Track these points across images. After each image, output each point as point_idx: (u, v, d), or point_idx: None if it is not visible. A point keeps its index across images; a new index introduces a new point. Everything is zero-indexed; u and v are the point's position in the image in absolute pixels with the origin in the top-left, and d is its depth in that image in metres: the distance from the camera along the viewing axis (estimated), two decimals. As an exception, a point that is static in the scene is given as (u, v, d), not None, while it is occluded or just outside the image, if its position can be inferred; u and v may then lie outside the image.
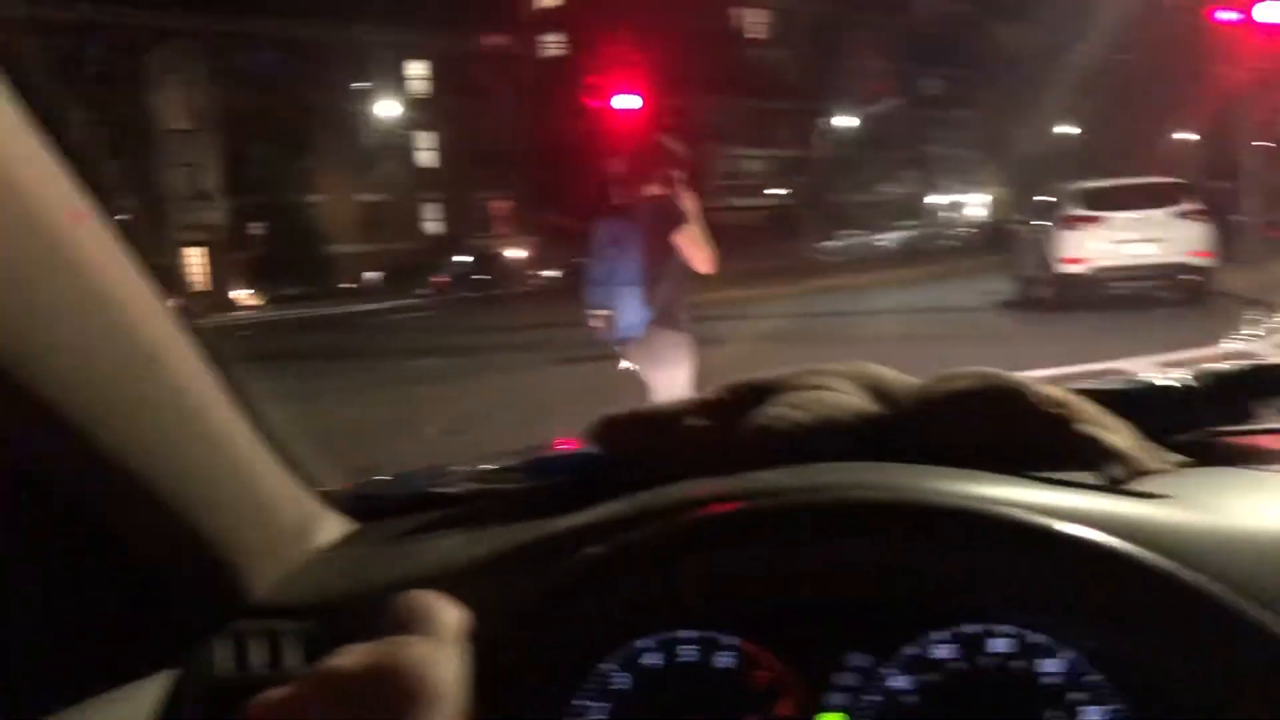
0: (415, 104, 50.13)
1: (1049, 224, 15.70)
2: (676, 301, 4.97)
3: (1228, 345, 1.39)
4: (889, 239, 53.91)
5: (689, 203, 4.82)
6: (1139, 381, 1.07)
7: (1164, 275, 14.86)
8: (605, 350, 14.92)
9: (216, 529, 0.94)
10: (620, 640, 0.87)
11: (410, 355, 16.26)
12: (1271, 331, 1.32)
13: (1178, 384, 1.04)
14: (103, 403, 0.81)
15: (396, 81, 47.80)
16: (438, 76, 50.74)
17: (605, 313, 5.02)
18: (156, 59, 41.61)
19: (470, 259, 42.91)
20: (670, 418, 1.06)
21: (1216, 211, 16.65)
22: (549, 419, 9.32)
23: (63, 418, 0.77)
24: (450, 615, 0.63)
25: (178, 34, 41.67)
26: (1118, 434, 0.90)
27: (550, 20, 56.36)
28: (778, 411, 0.98)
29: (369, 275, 44.95)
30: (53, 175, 0.75)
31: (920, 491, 0.83)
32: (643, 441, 1.07)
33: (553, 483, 1.15)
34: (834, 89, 55.84)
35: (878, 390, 1.02)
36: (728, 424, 1.02)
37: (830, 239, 52.33)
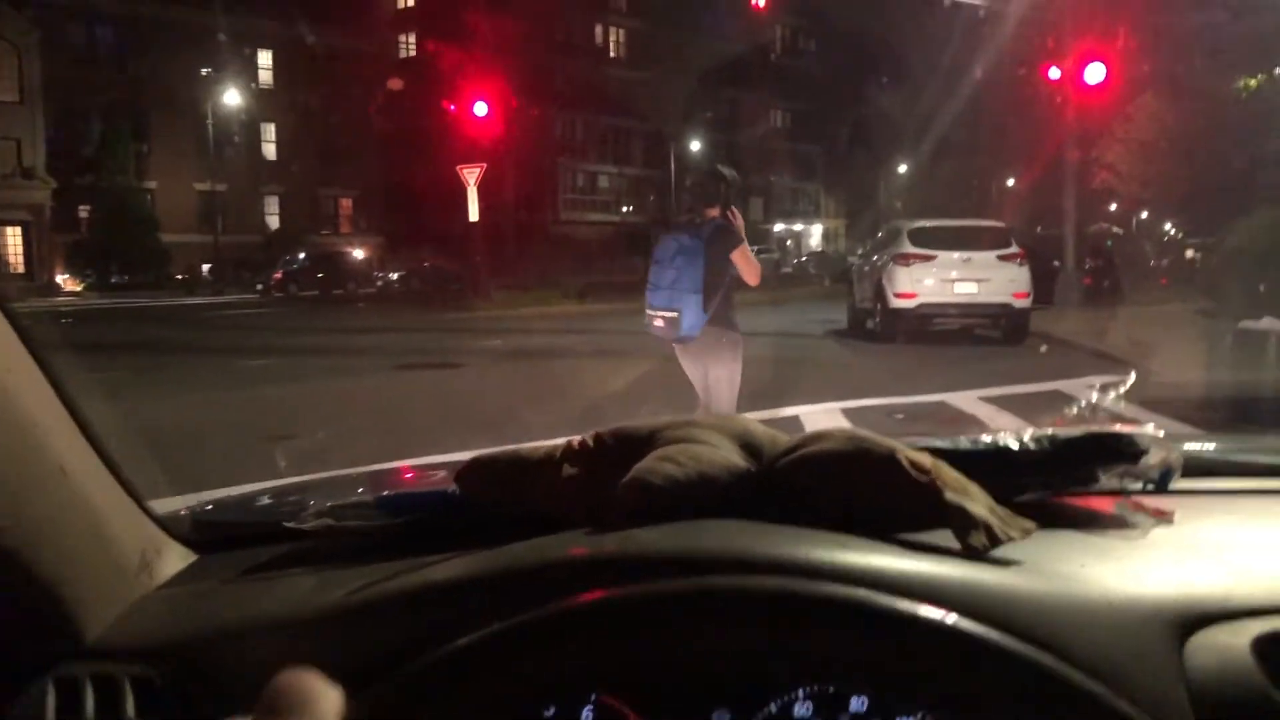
0: (262, 94, 48.47)
1: (884, 259, 16.32)
2: (730, 308, 5.72)
3: (1069, 411, 1.45)
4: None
5: (739, 224, 5.62)
6: (989, 443, 1.10)
7: (987, 314, 15.64)
8: (442, 359, 14.78)
9: (45, 561, 0.87)
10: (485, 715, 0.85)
11: (243, 354, 15.66)
12: (1109, 401, 1.39)
13: (1025, 447, 1.07)
14: None
15: (245, 69, 46.10)
16: (287, 67, 49.20)
17: (671, 314, 5.63)
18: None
19: (309, 256, 41.65)
20: (538, 464, 1.04)
21: (1040, 257, 17.65)
22: (384, 426, 9.12)
23: None
24: (330, 701, 0.58)
25: (7, 0, 39.20)
26: (978, 501, 0.93)
27: (408, 21, 55.50)
28: (652, 465, 0.98)
29: (202, 267, 43.13)
30: None
31: (793, 571, 0.84)
32: (509, 487, 1.05)
33: (407, 521, 1.11)
34: (686, 113, 56.76)
35: (749, 445, 1.02)
36: (597, 473, 1.01)
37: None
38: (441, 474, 1.76)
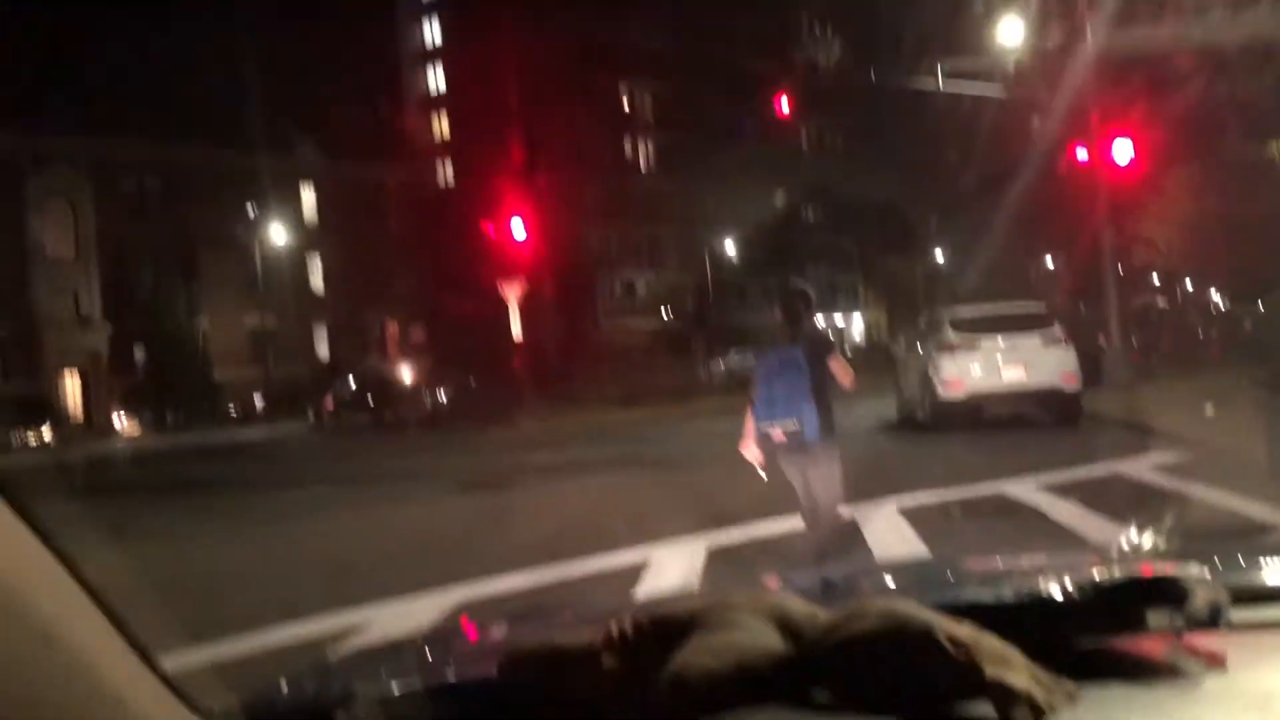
0: (306, 228, 49.90)
1: (928, 349, 16.25)
2: (831, 415, 6.13)
3: (1109, 550, 1.44)
4: (775, 360, 54.94)
5: (832, 335, 5.65)
6: (1032, 593, 1.09)
7: (1036, 397, 15.44)
8: (493, 480, 14.76)
9: None
10: None
11: (293, 485, 15.80)
12: (1149, 536, 1.37)
13: (1069, 595, 1.06)
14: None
15: (288, 205, 47.56)
16: (330, 201, 50.75)
17: (791, 426, 5.96)
18: (36, 185, 40.80)
19: (357, 382, 42.24)
20: (577, 655, 1.05)
21: (1086, 336, 17.48)
22: (438, 555, 9.10)
23: None
24: None
25: (58, 159, 41.00)
26: (1019, 672, 0.93)
27: (445, 149, 57.17)
28: (691, 660, 0.98)
29: (254, 401, 43.88)
30: None
31: None
32: (549, 679, 1.05)
33: (454, 713, 1.12)
34: (718, 215, 57.55)
35: (786, 627, 1.02)
36: (635, 664, 1.01)
37: (720, 359, 53.23)
38: (481, 640, 1.75)
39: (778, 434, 6.06)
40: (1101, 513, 8.06)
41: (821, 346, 6.15)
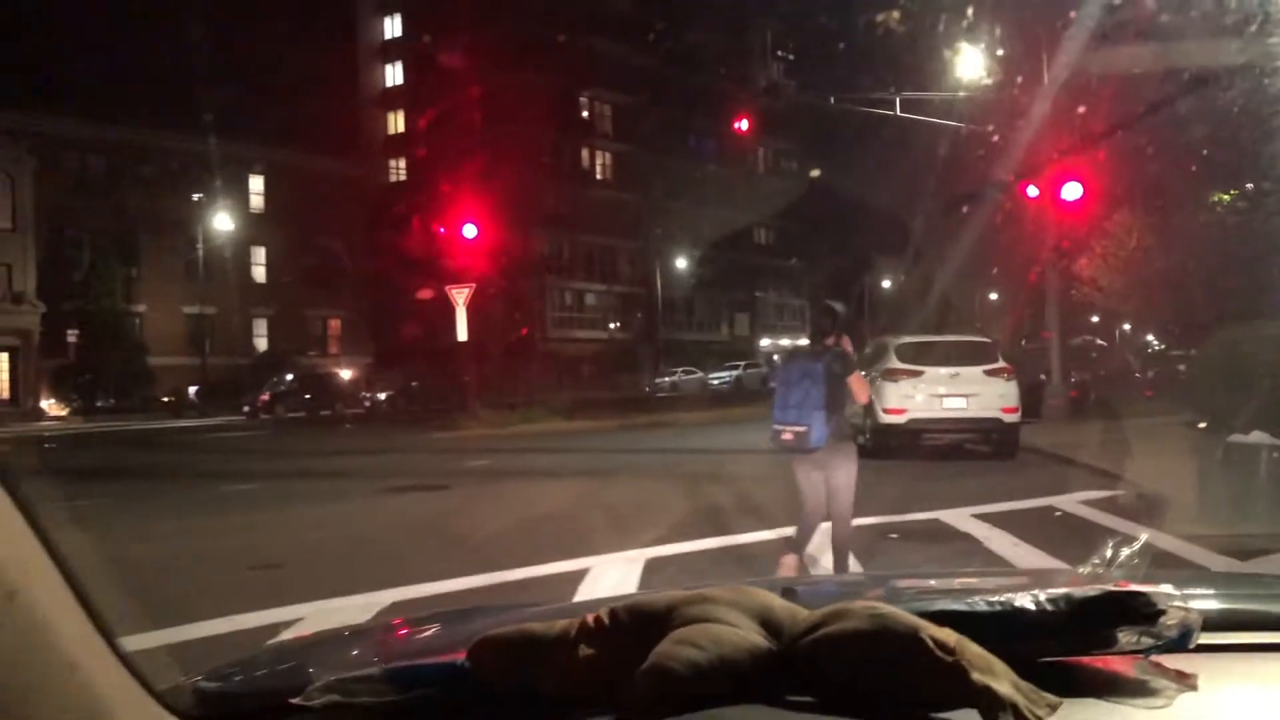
0: (252, 218, 49.17)
1: (871, 374, 16.38)
2: (845, 422, 6.73)
3: (1085, 569, 1.42)
4: (720, 378, 55.31)
5: (850, 350, 6.72)
6: (1006, 604, 1.07)
7: (976, 429, 15.63)
8: (429, 481, 14.68)
9: None
10: None
11: (227, 479, 15.50)
12: (1126, 557, 1.36)
13: (1043, 607, 1.05)
14: None
15: (235, 194, 46.82)
16: (278, 192, 50.06)
17: (800, 429, 6.46)
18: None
19: (296, 378, 41.67)
20: (551, 643, 1.01)
21: (1026, 370, 17.75)
22: (370, 553, 8.97)
23: None
24: None
25: (2, 130, 40.00)
26: (1003, 679, 0.92)
27: (398, 145, 56.75)
28: (672, 650, 0.95)
29: (187, 391, 43.05)
30: None
31: None
32: (521, 668, 1.02)
33: (416, 697, 1.07)
34: (671, 231, 57.76)
35: (767, 622, 1.00)
36: (611, 654, 0.99)
37: (665, 375, 53.36)
38: (437, 628, 1.71)
39: (788, 435, 6.55)
40: (1032, 543, 8.21)
41: (843, 361, 6.57)
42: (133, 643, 1.14)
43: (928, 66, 20.77)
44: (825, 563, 7.18)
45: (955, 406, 15.44)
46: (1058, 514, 9.73)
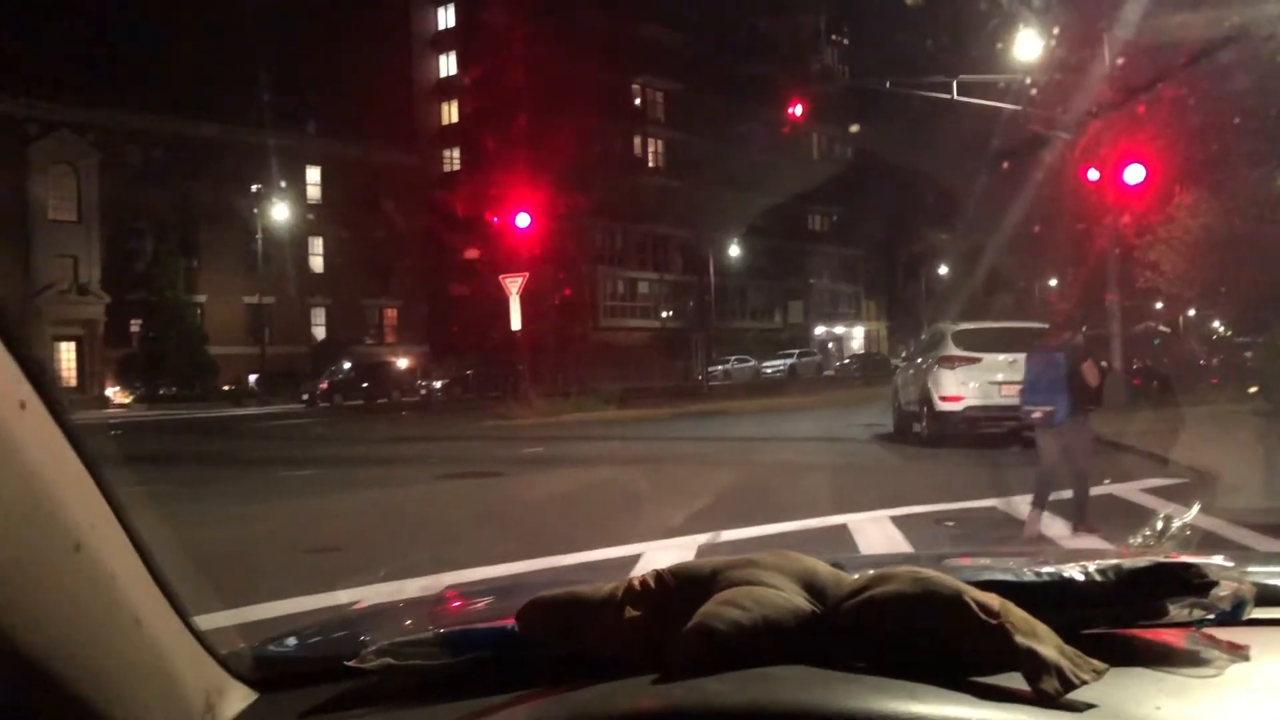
0: (310, 209, 49.84)
1: (928, 361, 16.19)
2: (1083, 404, 8.08)
3: (1135, 541, 1.40)
4: (774, 366, 55.09)
5: (1084, 343, 8.45)
6: (1054, 574, 1.07)
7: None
8: (484, 468, 14.78)
9: (123, 706, 0.87)
10: None
11: (288, 465, 15.75)
12: (1175, 530, 1.33)
13: (1091, 578, 1.04)
14: (16, 587, 0.77)
15: (293, 185, 47.48)
16: (335, 183, 50.66)
17: (1048, 408, 7.95)
18: (40, 149, 40.72)
19: (354, 366, 42.20)
20: (599, 605, 1.03)
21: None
22: (427, 537, 9.06)
23: None
24: None
25: (64, 124, 40.90)
26: (1048, 643, 0.91)
27: (452, 136, 57.08)
28: (717, 610, 0.96)
29: (247, 379, 43.78)
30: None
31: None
32: (570, 629, 1.03)
33: (468, 660, 1.10)
34: (725, 219, 57.54)
35: (811, 586, 1.00)
36: (659, 615, 1.00)
37: (717, 363, 53.25)
38: (488, 600, 1.73)
39: (1037, 414, 8.10)
40: (1091, 530, 8.09)
41: (1079, 353, 8.08)
42: (199, 622, 1.17)
43: (986, 46, 20.46)
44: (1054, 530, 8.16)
45: (1014, 394, 15.18)
46: (1116, 502, 9.56)
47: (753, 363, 55.28)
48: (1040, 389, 8.06)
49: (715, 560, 1.05)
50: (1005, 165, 27.08)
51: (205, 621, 1.29)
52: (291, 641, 1.42)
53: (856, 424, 19.87)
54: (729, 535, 8.29)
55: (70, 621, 0.83)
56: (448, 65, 58.83)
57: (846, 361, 61.08)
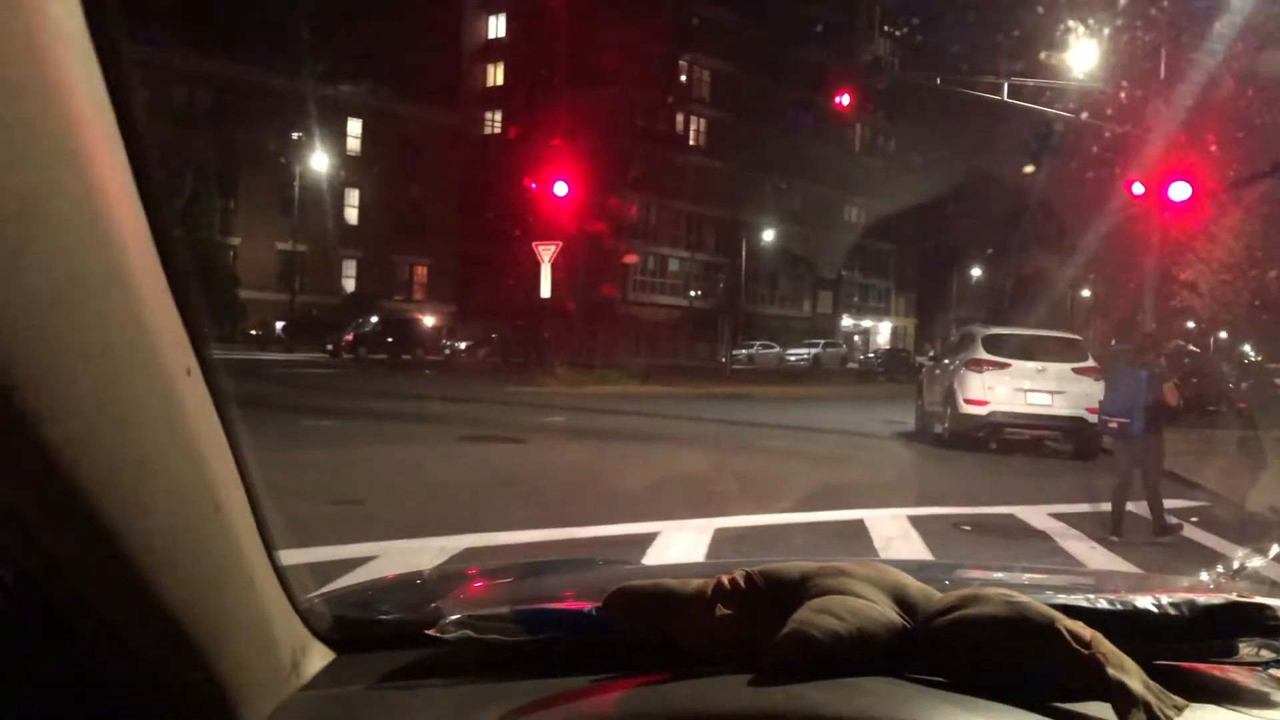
0: (349, 160, 49.91)
1: (956, 363, 16.14)
2: (1158, 421, 8.77)
3: (1207, 577, 1.42)
4: (798, 354, 54.94)
5: (1164, 368, 9.23)
6: (1126, 604, 1.09)
7: (1060, 427, 15.32)
8: (505, 433, 14.83)
9: (224, 660, 0.89)
10: None
11: (311, 413, 15.87)
12: (1251, 571, 1.35)
13: (1165, 611, 1.06)
14: (169, 547, 0.79)
15: (334, 136, 47.54)
16: (375, 136, 50.71)
17: (1124, 420, 8.70)
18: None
19: (381, 320, 42.35)
20: (687, 600, 1.04)
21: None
22: (448, 498, 9.15)
23: (88, 506, 0.72)
24: None
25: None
26: (1135, 677, 0.92)
27: (495, 99, 56.98)
28: (813, 617, 0.98)
29: (277, 325, 44.04)
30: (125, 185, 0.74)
31: None
32: (657, 621, 1.05)
33: (546, 639, 1.12)
34: (761, 202, 57.25)
35: (902, 600, 1.02)
36: (746, 615, 1.01)
37: (742, 347, 53.14)
38: (564, 576, 1.75)
39: (1114, 425, 8.88)
40: (1109, 547, 8.10)
41: (1160, 375, 8.83)
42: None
43: (1042, 47, 20.23)
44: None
45: (1040, 403, 15.15)
46: (1134, 520, 9.54)
47: (777, 349, 55.12)
48: (1120, 402, 8.81)
49: (804, 565, 1.06)
50: (1051, 173, 26.83)
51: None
52: (367, 603, 1.43)
53: (878, 419, 19.84)
54: (748, 521, 8.32)
55: (207, 581, 0.86)
56: (496, 27, 58.66)
57: (871, 355, 60.83)
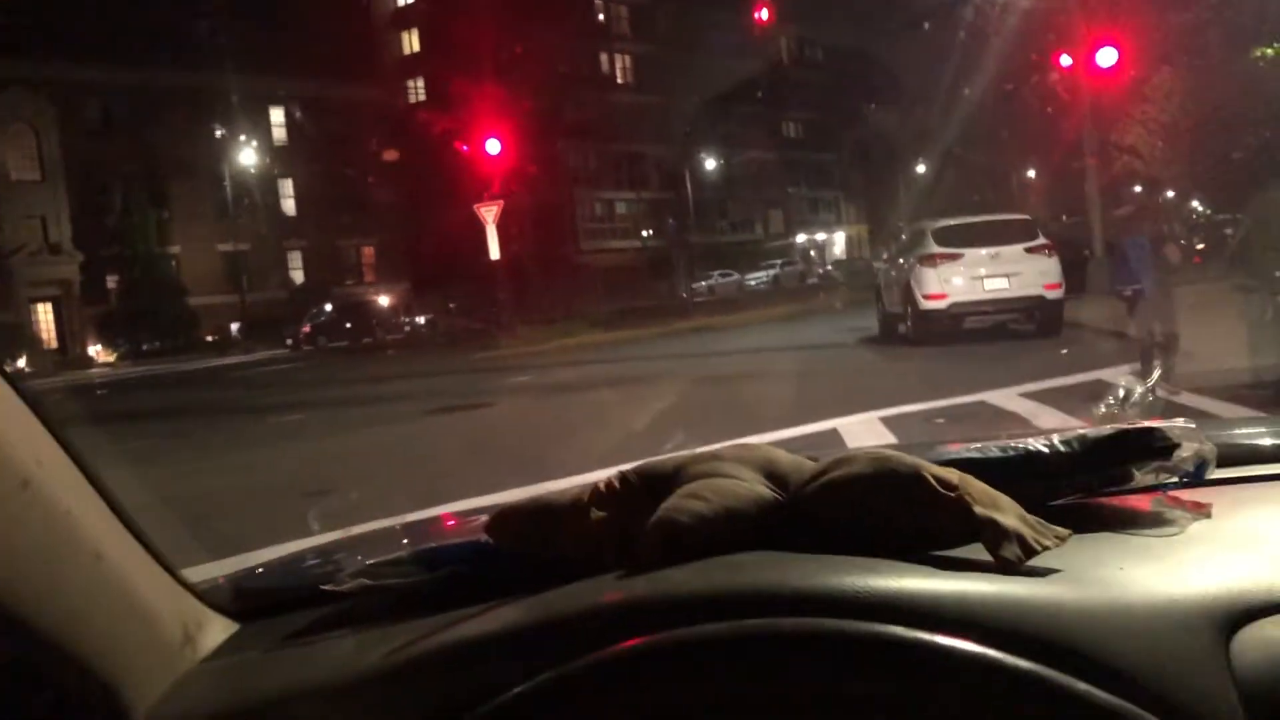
0: (276, 151, 49.06)
1: (910, 261, 16.14)
2: (1164, 280, 10.09)
3: (1098, 410, 1.38)
4: (757, 278, 54.98)
5: (1162, 226, 9.72)
6: (1019, 449, 1.07)
7: (1019, 308, 15.42)
8: (472, 400, 14.82)
9: (87, 647, 0.89)
10: None
11: (275, 410, 15.71)
12: (1137, 398, 1.31)
13: (1056, 449, 1.05)
14: None
15: (257, 128, 46.65)
16: (298, 122, 49.80)
17: (1137, 286, 9.94)
18: (-1, 107, 39.83)
19: (335, 307, 41.95)
20: (566, 510, 1.04)
21: (1069, 246, 17.38)
22: (419, 474, 9.05)
23: None
24: None
25: (16, 81, 39.89)
26: (1009, 513, 0.92)
27: (414, 65, 56.04)
28: (679, 503, 0.97)
29: (231, 327, 43.54)
30: None
31: (823, 604, 0.82)
32: (538, 535, 1.04)
33: (443, 575, 1.10)
34: (698, 132, 56.86)
35: (773, 474, 1.01)
36: (624, 514, 1.01)
37: (701, 279, 53.11)
38: (480, 520, 1.72)
39: (1127, 293, 10.17)
40: (1082, 417, 8.12)
41: (1160, 238, 9.95)
42: (188, 575, 1.16)
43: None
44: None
45: (997, 287, 15.21)
46: (1106, 388, 9.60)
47: (736, 276, 55.14)
48: (1130, 269, 9.93)
49: (679, 456, 1.05)
50: (983, 59, 26.72)
51: (204, 572, 1.30)
52: (270, 572, 1.44)
53: (843, 329, 19.89)
54: (720, 448, 8.28)
55: (25, 558, 0.84)
56: (404, -7, 57.53)
57: (829, 268, 60.98)
